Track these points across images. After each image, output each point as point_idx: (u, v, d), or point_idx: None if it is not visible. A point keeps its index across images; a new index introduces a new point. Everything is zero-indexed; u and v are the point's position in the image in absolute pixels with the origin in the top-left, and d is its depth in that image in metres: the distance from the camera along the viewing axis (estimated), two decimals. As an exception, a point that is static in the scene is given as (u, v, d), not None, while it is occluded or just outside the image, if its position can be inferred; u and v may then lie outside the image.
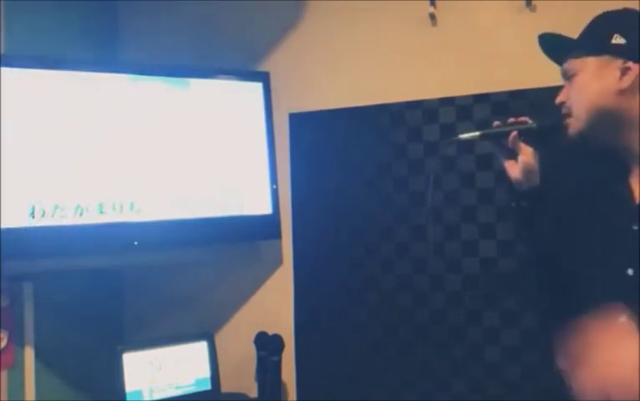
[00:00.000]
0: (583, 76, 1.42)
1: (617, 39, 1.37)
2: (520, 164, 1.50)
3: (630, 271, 1.34)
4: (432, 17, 2.13)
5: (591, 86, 1.40)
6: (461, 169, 2.07)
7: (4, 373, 1.98)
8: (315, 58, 2.31)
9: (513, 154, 1.52)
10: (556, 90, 1.83)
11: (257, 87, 2.30)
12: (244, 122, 2.27)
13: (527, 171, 1.50)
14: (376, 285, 2.18)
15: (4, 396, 1.97)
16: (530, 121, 1.51)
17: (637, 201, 1.38)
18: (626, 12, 1.42)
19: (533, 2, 2.01)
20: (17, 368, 2.02)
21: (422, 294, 2.12)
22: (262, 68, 2.35)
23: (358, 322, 2.21)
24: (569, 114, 1.46)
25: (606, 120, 1.39)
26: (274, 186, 2.29)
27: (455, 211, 2.08)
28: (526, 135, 1.50)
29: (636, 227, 1.34)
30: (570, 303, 1.51)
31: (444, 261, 2.09)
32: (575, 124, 1.44)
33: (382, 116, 2.19)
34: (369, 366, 2.18)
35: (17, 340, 2.02)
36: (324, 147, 2.27)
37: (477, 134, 1.56)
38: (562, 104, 1.48)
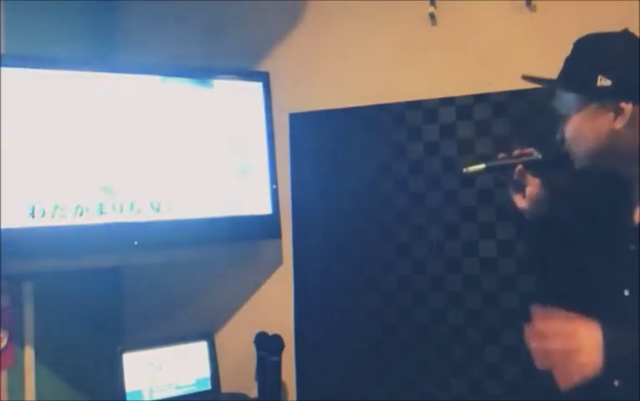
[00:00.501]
0: (574, 122, 1.39)
1: (602, 81, 1.32)
2: (528, 196, 1.49)
3: (626, 292, 1.33)
4: (432, 17, 2.13)
5: (584, 133, 1.37)
6: (461, 169, 2.07)
7: (4, 373, 1.98)
8: (315, 58, 2.31)
9: (520, 187, 1.51)
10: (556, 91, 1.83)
11: (257, 87, 2.30)
12: (244, 122, 2.27)
13: (535, 202, 1.49)
14: (376, 285, 2.18)
15: (4, 396, 1.97)
16: (535, 153, 1.50)
17: (636, 223, 1.37)
18: (608, 41, 1.37)
19: (533, 2, 2.01)
20: (17, 368, 2.02)
21: (422, 294, 2.12)
22: (262, 68, 2.35)
23: (358, 322, 2.20)
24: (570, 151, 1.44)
25: (605, 157, 1.37)
26: (274, 186, 2.29)
27: (455, 211, 2.08)
28: (532, 167, 1.49)
29: (633, 247, 1.33)
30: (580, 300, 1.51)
31: (444, 261, 2.09)
32: (577, 161, 1.43)
33: (382, 116, 2.19)
34: (369, 366, 2.18)
35: (17, 340, 2.02)
36: (324, 147, 2.27)
37: (482, 167, 1.54)
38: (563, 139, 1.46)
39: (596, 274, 1.44)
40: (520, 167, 1.49)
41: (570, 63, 1.42)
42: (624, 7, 1.74)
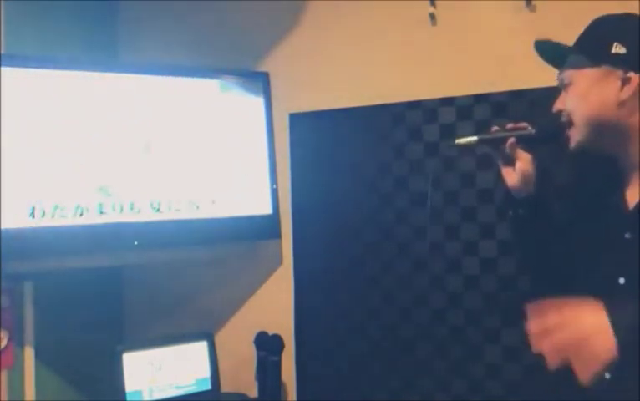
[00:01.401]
0: (581, 86, 1.39)
1: (617, 48, 1.33)
2: (518, 170, 1.48)
3: (621, 280, 1.33)
4: (432, 17, 2.13)
5: (590, 97, 1.37)
6: (461, 169, 2.07)
7: (4, 373, 1.98)
8: (315, 58, 2.30)
9: (511, 161, 1.50)
10: (556, 90, 1.84)
11: (257, 87, 2.30)
12: (244, 122, 2.27)
13: (524, 178, 1.48)
14: (376, 285, 2.18)
15: (4, 396, 1.97)
16: (529, 127, 1.50)
17: (630, 209, 1.37)
18: (625, 17, 1.39)
19: (533, 2, 2.01)
20: (17, 368, 2.02)
21: (422, 294, 2.12)
22: (262, 68, 2.35)
23: (358, 322, 2.20)
24: (569, 123, 1.44)
25: (605, 131, 1.37)
26: (274, 186, 2.29)
27: (455, 211, 2.08)
28: (525, 142, 1.48)
29: (628, 235, 1.33)
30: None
31: (444, 261, 2.09)
32: (574, 135, 1.43)
33: (382, 116, 2.19)
34: (369, 366, 2.18)
35: (17, 340, 2.02)
36: (324, 147, 2.27)
37: (475, 139, 1.53)
38: (560, 111, 1.46)
39: (588, 261, 1.43)
40: (512, 140, 1.48)
41: (585, 33, 1.42)
42: (624, 7, 1.74)
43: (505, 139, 1.49)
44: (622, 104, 1.33)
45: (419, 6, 2.14)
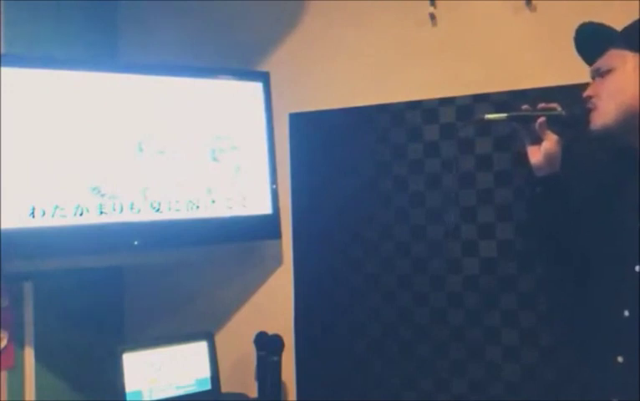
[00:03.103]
0: (620, 74, 1.39)
1: None
2: (543, 150, 1.50)
3: (637, 268, 1.34)
4: (432, 17, 2.13)
5: (627, 86, 1.38)
6: (461, 169, 2.07)
7: (4, 374, 1.98)
8: (315, 58, 2.31)
9: (537, 140, 1.51)
10: (556, 90, 1.84)
11: (257, 87, 2.30)
12: (244, 122, 2.27)
13: (549, 158, 1.50)
14: (376, 284, 2.18)
15: (4, 396, 1.97)
16: (559, 108, 1.50)
17: None
18: None
19: (533, 2, 2.01)
20: (17, 368, 2.02)
21: (422, 294, 2.12)
22: (262, 68, 2.35)
23: (357, 321, 2.21)
24: (593, 109, 1.44)
25: (632, 121, 1.38)
26: (274, 186, 2.29)
27: (455, 211, 2.07)
28: (554, 123, 1.49)
29: None
30: (578, 296, 1.51)
31: (444, 262, 2.09)
32: (601, 119, 1.43)
33: (382, 116, 2.19)
34: (369, 366, 2.18)
35: (17, 340, 2.02)
36: (324, 147, 2.27)
37: (504, 115, 1.54)
38: (589, 98, 1.47)
39: (604, 248, 1.44)
40: (542, 119, 1.48)
41: (630, 26, 1.43)
42: (624, 7, 1.74)
43: (534, 118, 1.50)
44: None
45: (419, 6, 2.14)
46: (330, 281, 2.25)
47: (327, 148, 2.27)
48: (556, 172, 1.53)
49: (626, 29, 1.44)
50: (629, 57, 1.40)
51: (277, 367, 2.13)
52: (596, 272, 1.47)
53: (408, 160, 2.15)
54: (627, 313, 1.36)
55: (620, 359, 1.36)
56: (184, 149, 2.15)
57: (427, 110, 2.13)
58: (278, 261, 2.36)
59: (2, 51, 1.98)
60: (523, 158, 1.58)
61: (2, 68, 1.87)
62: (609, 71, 1.42)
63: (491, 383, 2.02)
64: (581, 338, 1.62)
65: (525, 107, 1.54)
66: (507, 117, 1.54)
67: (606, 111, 1.42)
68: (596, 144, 1.55)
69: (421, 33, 2.15)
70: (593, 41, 1.50)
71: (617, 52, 1.42)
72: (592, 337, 1.50)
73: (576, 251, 1.53)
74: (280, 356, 2.14)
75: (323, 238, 2.26)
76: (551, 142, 1.50)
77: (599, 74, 1.46)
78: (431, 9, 2.12)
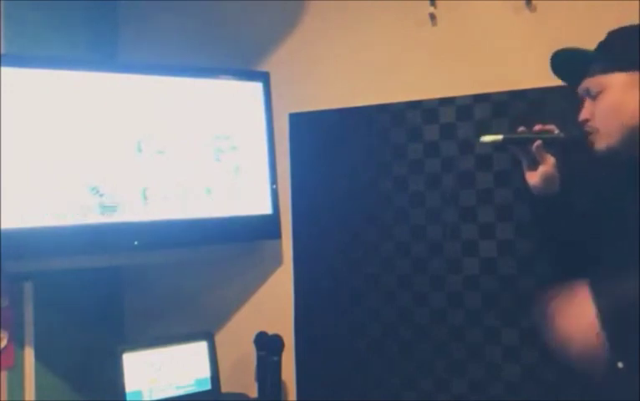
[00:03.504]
0: (613, 94, 1.38)
1: None
2: (541, 173, 1.48)
3: None
4: (432, 17, 2.13)
5: (623, 106, 1.36)
6: (461, 169, 2.07)
7: (4, 373, 1.98)
8: (315, 58, 2.30)
9: (535, 162, 1.50)
10: (556, 90, 1.84)
11: (257, 87, 2.30)
12: (244, 122, 2.27)
13: (547, 181, 1.48)
14: (376, 285, 2.18)
15: (4, 396, 1.97)
16: (556, 131, 1.49)
17: None
18: None
19: (533, 2, 2.01)
20: (17, 368, 2.02)
21: (422, 294, 2.12)
22: (262, 68, 2.35)
23: (357, 322, 2.20)
24: (594, 132, 1.43)
25: (636, 137, 1.37)
26: (274, 186, 2.29)
27: (455, 211, 2.08)
28: (550, 145, 1.47)
29: None
30: None
31: (444, 261, 2.09)
32: (605, 141, 1.41)
33: (382, 116, 2.19)
34: (369, 366, 2.18)
35: (17, 340, 2.02)
36: (324, 147, 2.27)
37: (500, 137, 1.53)
38: (586, 121, 1.45)
39: (607, 263, 1.43)
40: (539, 142, 1.47)
41: (608, 41, 1.41)
42: (624, 7, 1.74)
43: (531, 141, 1.48)
44: None
45: (419, 6, 2.14)
46: (330, 281, 2.25)
47: (327, 148, 2.27)
48: (556, 192, 1.51)
49: (605, 48, 1.42)
50: (616, 75, 1.38)
51: (277, 367, 2.13)
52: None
53: (408, 160, 2.15)
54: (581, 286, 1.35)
55: (620, 365, 1.36)
56: (184, 149, 2.15)
57: (427, 110, 2.13)
58: (278, 261, 2.36)
59: (2, 51, 1.98)
60: (523, 181, 1.57)
61: (2, 68, 1.87)
62: (600, 92, 1.41)
63: (491, 383, 2.02)
64: None
65: (521, 129, 1.53)
66: (503, 140, 1.52)
67: (609, 133, 1.40)
68: (598, 164, 1.53)
69: (421, 33, 2.15)
70: (571, 66, 1.49)
71: (603, 73, 1.41)
72: None
73: (578, 259, 1.52)
74: (280, 356, 2.14)
75: (323, 238, 2.26)
76: (548, 165, 1.47)
77: (589, 95, 1.45)
78: (431, 9, 2.12)
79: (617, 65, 1.38)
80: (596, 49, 1.45)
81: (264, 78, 2.31)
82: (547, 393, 1.94)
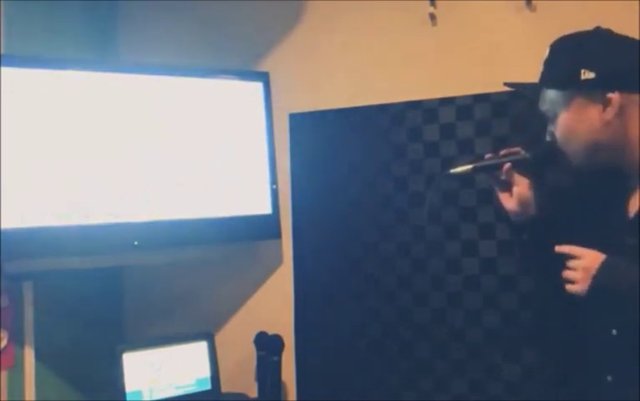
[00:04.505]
0: (565, 119, 1.40)
1: (586, 74, 1.34)
2: (516, 195, 1.48)
3: None
4: (432, 17, 2.13)
5: (576, 128, 1.39)
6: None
7: (4, 373, 1.98)
8: (315, 58, 2.30)
9: (507, 186, 1.50)
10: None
11: (257, 87, 2.30)
12: (244, 122, 2.27)
13: (522, 202, 1.48)
14: (376, 285, 2.18)
15: (4, 396, 1.97)
16: (522, 151, 1.50)
17: (631, 216, 1.37)
18: (583, 38, 1.40)
19: (533, 2, 2.01)
20: (17, 368, 2.02)
21: (422, 294, 2.12)
22: (262, 68, 2.35)
23: (358, 322, 2.20)
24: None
25: (601, 151, 1.38)
26: (274, 186, 2.29)
27: (455, 211, 2.08)
28: (520, 166, 1.48)
29: (631, 241, 1.33)
30: (569, 323, 1.52)
31: (444, 261, 2.09)
32: (575, 161, 1.43)
33: (382, 116, 2.19)
34: (369, 366, 2.18)
35: (17, 340, 2.02)
36: (324, 147, 2.27)
37: (469, 167, 1.54)
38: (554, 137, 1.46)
39: None
40: (508, 165, 1.48)
41: (550, 63, 1.44)
42: (624, 7, 1.74)
43: (500, 166, 1.49)
44: (607, 124, 1.34)
45: (419, 6, 2.14)
46: (330, 281, 2.25)
47: (327, 148, 2.27)
48: (534, 215, 1.52)
49: (545, 79, 1.44)
50: (561, 102, 1.40)
51: (277, 367, 2.13)
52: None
53: (409, 160, 2.15)
54: (614, 332, 1.36)
55: (609, 378, 1.36)
56: (184, 149, 2.15)
57: (427, 110, 2.13)
58: (278, 261, 2.36)
59: (2, 51, 1.98)
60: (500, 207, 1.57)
61: (2, 68, 1.88)
62: (555, 115, 1.42)
63: (491, 383, 2.02)
64: (570, 358, 1.62)
65: (488, 156, 1.54)
66: (472, 169, 1.53)
67: (572, 154, 1.42)
68: (572, 175, 1.54)
69: (421, 33, 2.15)
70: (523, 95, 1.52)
71: (554, 96, 1.42)
72: (581, 356, 1.50)
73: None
74: (280, 356, 2.14)
75: (323, 238, 2.26)
76: (522, 186, 1.48)
77: (550, 119, 1.46)
78: (431, 9, 2.12)
79: (559, 94, 1.40)
80: (541, 76, 1.45)
81: (264, 78, 2.31)
82: (547, 393, 1.94)
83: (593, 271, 1.30)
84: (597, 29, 1.41)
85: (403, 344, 2.14)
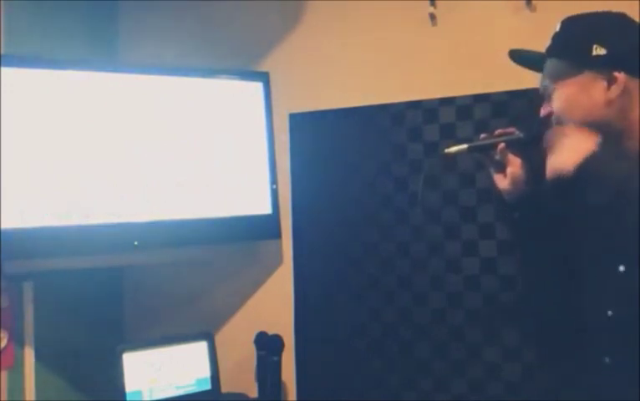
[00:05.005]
0: (567, 93, 1.38)
1: (598, 50, 1.33)
2: (509, 175, 1.49)
3: (621, 268, 1.34)
4: (432, 17, 2.13)
5: (577, 103, 1.37)
6: (461, 169, 2.07)
7: (4, 373, 1.98)
8: (315, 58, 2.30)
9: (501, 166, 1.51)
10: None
11: (257, 87, 2.30)
12: (244, 122, 2.27)
13: (516, 182, 1.49)
14: (376, 285, 2.18)
15: (4, 396, 1.97)
16: (517, 132, 1.51)
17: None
18: (599, 16, 1.39)
19: (533, 2, 2.01)
20: (17, 368, 2.02)
21: (422, 294, 2.12)
22: (262, 68, 2.35)
23: (358, 321, 2.20)
24: (558, 124, 1.44)
25: (598, 131, 1.37)
26: (274, 186, 2.29)
27: (455, 211, 2.08)
28: (514, 146, 1.49)
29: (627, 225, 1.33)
30: (563, 306, 1.51)
31: (444, 261, 2.09)
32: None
33: (382, 116, 2.19)
34: (369, 366, 2.18)
35: (17, 340, 2.02)
36: (324, 147, 2.27)
37: (464, 147, 1.55)
38: (547, 117, 1.46)
39: (587, 252, 1.43)
40: (502, 145, 1.49)
41: (560, 36, 1.43)
42: (624, 7, 1.74)
43: (494, 146, 1.50)
44: (610, 103, 1.33)
45: (419, 6, 2.14)
46: (330, 281, 2.25)
47: (327, 148, 2.27)
48: (527, 193, 1.52)
49: (554, 50, 1.43)
50: (565, 73, 1.39)
51: (277, 367, 2.13)
52: (580, 273, 1.46)
53: (408, 160, 2.15)
54: (610, 313, 1.36)
55: (607, 360, 1.36)
56: (184, 149, 2.15)
57: (427, 110, 2.13)
58: (278, 261, 2.36)
59: (2, 51, 1.98)
60: (493, 187, 1.58)
61: (2, 68, 1.88)
62: (555, 91, 1.42)
63: (491, 383, 2.02)
64: (567, 341, 1.61)
65: (483, 136, 1.55)
66: (468, 148, 1.55)
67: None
68: None
69: (421, 33, 2.15)
70: (527, 66, 1.51)
71: (558, 67, 1.42)
72: (578, 338, 1.50)
73: (560, 255, 1.52)
74: (280, 356, 2.14)
75: (323, 238, 2.26)
76: (515, 166, 1.49)
77: (547, 92, 1.46)
78: (431, 9, 2.12)
79: (567, 66, 1.38)
80: (549, 47, 1.45)
81: (264, 78, 2.31)
82: (547, 393, 1.94)
83: (583, 152, 1.28)
84: (616, 12, 1.40)
85: (403, 344, 2.14)
